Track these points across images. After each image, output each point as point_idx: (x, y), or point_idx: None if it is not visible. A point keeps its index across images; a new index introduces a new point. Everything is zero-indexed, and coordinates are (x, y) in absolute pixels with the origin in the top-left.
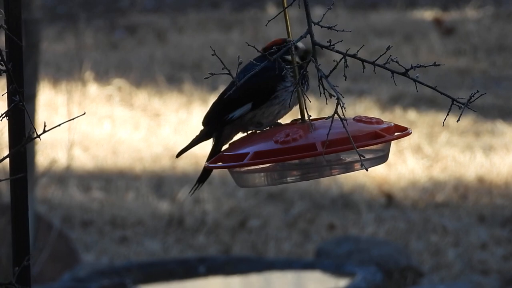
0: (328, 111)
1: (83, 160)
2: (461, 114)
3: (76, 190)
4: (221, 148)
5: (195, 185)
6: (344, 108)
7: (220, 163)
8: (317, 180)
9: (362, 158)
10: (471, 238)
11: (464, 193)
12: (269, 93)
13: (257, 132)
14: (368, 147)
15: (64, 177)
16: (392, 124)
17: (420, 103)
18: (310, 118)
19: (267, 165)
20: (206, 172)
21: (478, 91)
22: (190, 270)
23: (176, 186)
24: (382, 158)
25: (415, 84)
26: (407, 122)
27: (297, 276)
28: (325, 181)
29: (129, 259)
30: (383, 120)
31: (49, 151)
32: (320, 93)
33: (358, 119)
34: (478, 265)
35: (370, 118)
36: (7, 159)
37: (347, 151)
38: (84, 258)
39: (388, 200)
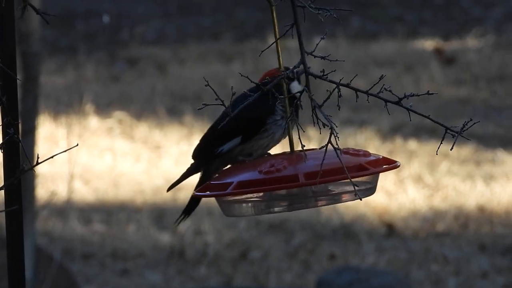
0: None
1: (84, 192)
2: (454, 143)
3: (76, 223)
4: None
5: (181, 215)
6: (338, 138)
7: (208, 192)
8: (318, 210)
9: (356, 187)
10: (472, 267)
11: (465, 222)
12: (259, 127)
13: (246, 161)
14: (355, 179)
15: (65, 209)
16: (381, 157)
17: (421, 133)
18: (304, 148)
19: (253, 195)
20: (193, 202)
21: (471, 119)
22: None
23: (177, 218)
24: (370, 190)
25: (409, 113)
26: (407, 152)
27: None
28: (325, 211)
29: None
30: (371, 153)
31: (50, 184)
32: (314, 123)
33: (345, 151)
34: None
35: (358, 150)
36: (2, 192)
37: (334, 182)
38: None
39: (389, 230)
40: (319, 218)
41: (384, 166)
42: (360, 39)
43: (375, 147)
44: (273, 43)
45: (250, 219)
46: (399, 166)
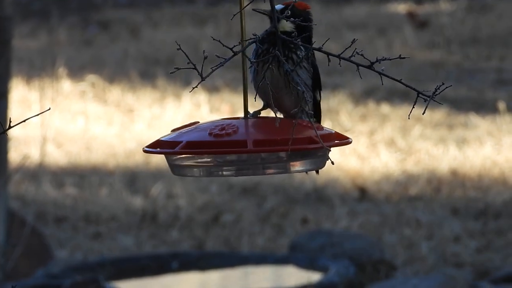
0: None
1: (57, 156)
2: (426, 107)
3: (49, 186)
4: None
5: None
6: (313, 100)
7: (158, 149)
8: (290, 174)
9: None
10: (444, 231)
11: (438, 186)
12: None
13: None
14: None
15: (37, 173)
16: (333, 132)
17: (394, 97)
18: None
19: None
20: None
21: (444, 83)
22: (163, 265)
23: (149, 181)
24: (320, 163)
25: (381, 77)
26: (380, 116)
27: (271, 270)
28: (298, 175)
29: (103, 255)
30: (325, 127)
31: (22, 148)
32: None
33: (300, 122)
34: (451, 258)
35: (311, 124)
36: None
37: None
38: (57, 254)
39: (362, 194)
40: (291, 182)
41: (336, 141)
42: (333, 2)
43: (348, 110)
44: (245, 6)
45: (223, 182)
46: (351, 142)
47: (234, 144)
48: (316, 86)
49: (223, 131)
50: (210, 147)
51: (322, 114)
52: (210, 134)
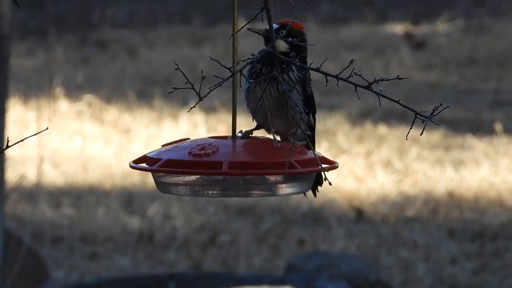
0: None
1: (53, 176)
2: (424, 128)
3: (46, 206)
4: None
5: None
6: (307, 123)
7: (140, 165)
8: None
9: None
10: (441, 252)
11: (434, 208)
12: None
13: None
14: (274, 177)
15: (34, 193)
16: (320, 155)
17: (391, 118)
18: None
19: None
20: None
21: (441, 104)
22: (160, 286)
23: (146, 202)
24: (306, 186)
25: (379, 98)
26: (377, 137)
27: None
28: (295, 196)
29: (99, 275)
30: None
31: (19, 167)
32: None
33: (282, 145)
34: (448, 279)
35: (296, 147)
36: None
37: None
38: (54, 275)
39: (358, 215)
40: (288, 203)
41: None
42: (330, 23)
43: (345, 132)
44: (242, 27)
45: (219, 203)
46: (337, 167)
47: (209, 165)
48: (310, 109)
49: (202, 151)
50: (187, 167)
51: (319, 135)
52: (189, 153)
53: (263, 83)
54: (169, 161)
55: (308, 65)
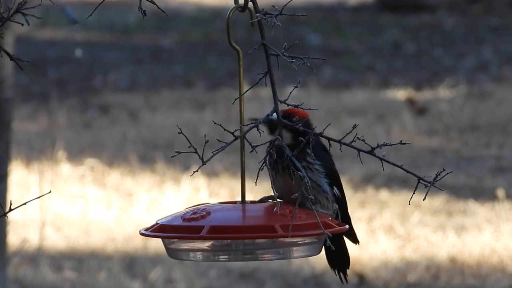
0: None
1: (55, 240)
2: (427, 193)
3: (48, 270)
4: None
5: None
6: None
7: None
8: (289, 259)
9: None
10: None
11: (436, 273)
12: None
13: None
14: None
15: (36, 257)
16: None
17: (393, 183)
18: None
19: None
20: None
21: (444, 170)
22: None
23: (148, 266)
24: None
25: (382, 163)
26: (379, 202)
27: None
28: (296, 260)
29: None
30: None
31: (21, 231)
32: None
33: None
34: None
35: (298, 212)
36: None
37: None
38: None
39: (360, 280)
40: (290, 268)
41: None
42: (332, 88)
43: (347, 197)
44: (246, 92)
45: (221, 267)
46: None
47: (191, 229)
48: (333, 182)
49: (192, 216)
50: (171, 232)
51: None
52: (182, 218)
53: (280, 172)
54: (163, 226)
55: (316, 130)
